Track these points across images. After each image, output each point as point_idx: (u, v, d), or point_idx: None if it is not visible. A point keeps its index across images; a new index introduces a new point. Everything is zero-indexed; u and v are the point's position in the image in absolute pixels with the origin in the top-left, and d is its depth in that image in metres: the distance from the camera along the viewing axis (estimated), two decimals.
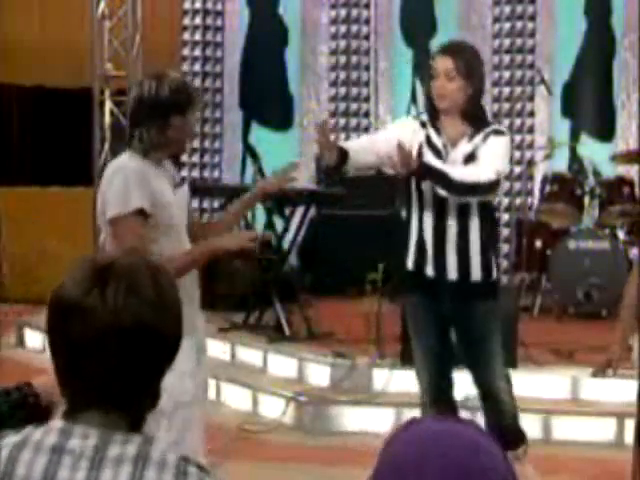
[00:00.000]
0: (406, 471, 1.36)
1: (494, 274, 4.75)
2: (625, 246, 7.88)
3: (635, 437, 4.47)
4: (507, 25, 9.04)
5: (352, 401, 6.46)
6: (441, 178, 4.43)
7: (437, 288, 4.68)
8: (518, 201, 8.50)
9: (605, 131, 8.84)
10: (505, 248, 9.14)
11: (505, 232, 9.20)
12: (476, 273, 4.66)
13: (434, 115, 4.64)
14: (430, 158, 4.58)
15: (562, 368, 6.43)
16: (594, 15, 8.88)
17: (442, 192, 4.50)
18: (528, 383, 6.08)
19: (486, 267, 4.68)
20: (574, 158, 8.61)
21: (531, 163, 8.67)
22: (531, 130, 9.21)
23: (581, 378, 6.29)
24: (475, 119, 4.62)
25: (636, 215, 4.47)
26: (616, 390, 5.96)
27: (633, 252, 7.83)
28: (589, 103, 8.88)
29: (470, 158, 4.57)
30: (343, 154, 4.50)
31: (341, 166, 4.52)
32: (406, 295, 4.82)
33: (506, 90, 9.20)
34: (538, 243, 8.17)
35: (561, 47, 8.91)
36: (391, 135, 4.60)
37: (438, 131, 4.64)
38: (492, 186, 4.55)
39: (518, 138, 9.10)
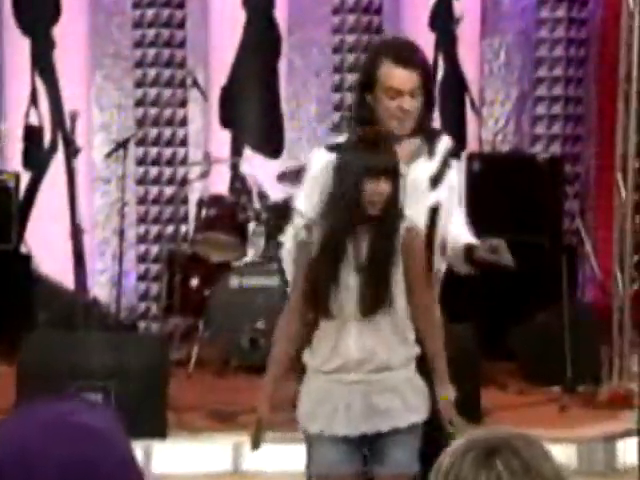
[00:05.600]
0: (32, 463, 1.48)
1: None
2: None
3: None
4: (150, 12, 7.79)
5: None
6: None
7: None
8: (170, 230, 7.88)
9: (272, 146, 7.82)
10: (154, 288, 8.09)
11: (154, 268, 8.14)
12: None
13: None
14: None
15: (222, 435, 5.95)
16: (255, 7, 7.73)
17: None
18: (181, 455, 5.81)
19: None
20: (236, 177, 7.52)
21: (184, 182, 7.89)
22: (184, 143, 8.15)
23: (244, 445, 5.36)
24: None
25: None
26: (285, 457, 5.44)
27: None
28: (252, 112, 7.75)
29: None
30: None
31: None
32: None
33: (152, 92, 7.94)
34: (194, 281, 7.42)
35: (215, 45, 7.74)
36: None
37: None
38: None
39: (168, 152, 8.09)
